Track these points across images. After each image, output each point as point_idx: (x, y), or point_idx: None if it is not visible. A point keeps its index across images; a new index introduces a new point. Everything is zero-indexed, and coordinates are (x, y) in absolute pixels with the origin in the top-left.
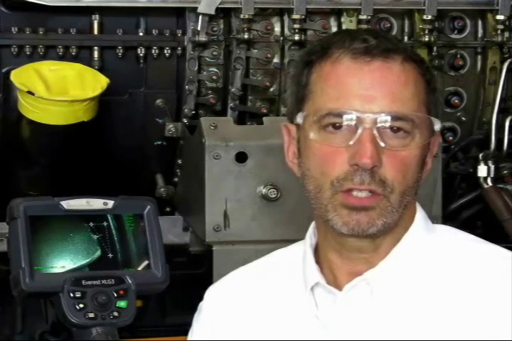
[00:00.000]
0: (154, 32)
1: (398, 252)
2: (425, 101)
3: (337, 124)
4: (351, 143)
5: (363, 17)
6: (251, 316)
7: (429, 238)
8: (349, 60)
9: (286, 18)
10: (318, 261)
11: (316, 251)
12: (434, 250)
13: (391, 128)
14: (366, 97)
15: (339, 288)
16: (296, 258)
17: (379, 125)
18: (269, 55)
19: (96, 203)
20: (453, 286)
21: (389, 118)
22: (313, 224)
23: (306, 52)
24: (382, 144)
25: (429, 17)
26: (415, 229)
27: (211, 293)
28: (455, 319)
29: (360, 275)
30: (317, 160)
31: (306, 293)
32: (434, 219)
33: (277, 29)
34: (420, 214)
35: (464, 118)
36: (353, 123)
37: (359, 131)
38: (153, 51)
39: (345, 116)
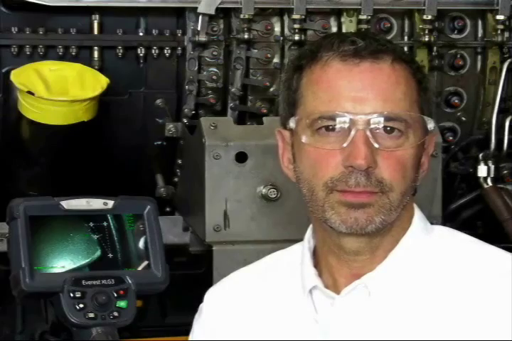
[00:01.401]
0: (154, 32)
1: (396, 254)
2: (417, 100)
3: (330, 127)
4: (345, 145)
5: (363, 17)
6: (251, 318)
7: (427, 239)
8: (338, 62)
9: (286, 18)
10: (317, 264)
11: (315, 254)
12: (432, 252)
13: (384, 128)
14: (358, 99)
15: (339, 291)
16: (295, 259)
17: (372, 126)
18: (269, 55)
19: (96, 203)
20: (451, 288)
21: (382, 119)
22: (311, 227)
23: (296, 57)
24: (376, 145)
25: (429, 17)
26: (413, 230)
27: (211, 295)
28: (454, 320)
29: (359, 278)
30: (311, 163)
31: (304, 296)
32: (434, 219)
33: (277, 29)
34: (418, 215)
35: (463, 118)
36: (346, 125)
37: (352, 132)
38: (153, 51)
39: (337, 119)
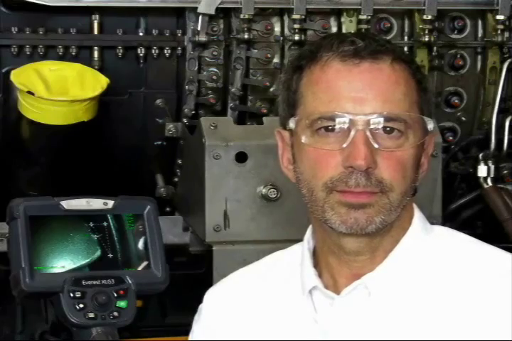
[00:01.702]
0: (154, 32)
1: (396, 255)
2: (417, 101)
3: (330, 127)
4: (345, 145)
5: (363, 17)
6: (250, 319)
7: (427, 239)
8: (338, 62)
9: (286, 18)
10: (317, 264)
11: (315, 255)
12: (432, 252)
13: (384, 129)
14: (357, 99)
15: (339, 291)
16: (295, 260)
17: (372, 126)
18: (269, 55)
19: (96, 203)
20: (451, 288)
21: (381, 119)
22: (310, 227)
23: (296, 58)
24: (375, 145)
25: (429, 17)
26: (413, 231)
27: (211, 296)
28: (454, 320)
29: (359, 278)
30: (310, 163)
31: (304, 296)
32: (434, 219)
33: (277, 29)
34: (418, 215)
35: (464, 118)
36: (346, 126)
37: (352, 133)
38: (153, 51)
39: (337, 119)
